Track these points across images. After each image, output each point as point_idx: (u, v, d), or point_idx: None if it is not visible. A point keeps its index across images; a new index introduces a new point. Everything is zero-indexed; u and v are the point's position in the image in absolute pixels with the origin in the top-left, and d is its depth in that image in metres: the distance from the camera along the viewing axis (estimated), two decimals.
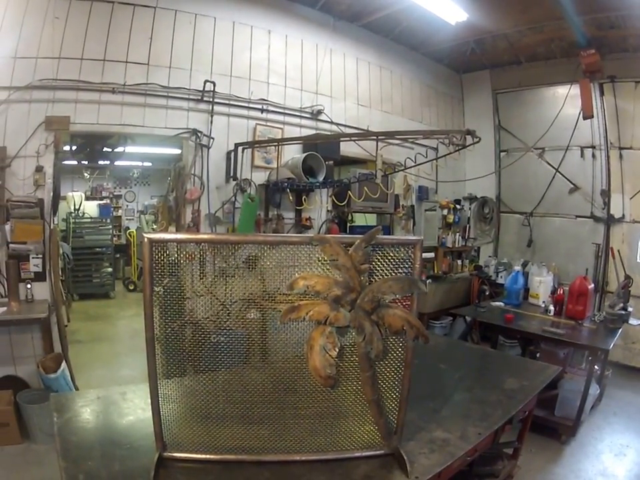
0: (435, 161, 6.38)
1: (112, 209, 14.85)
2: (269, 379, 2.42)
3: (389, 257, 2.26)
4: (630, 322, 6.26)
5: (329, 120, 7.70)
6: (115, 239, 13.70)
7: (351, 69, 8.10)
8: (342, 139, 7.33)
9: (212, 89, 6.40)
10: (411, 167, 5.92)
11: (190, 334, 2.34)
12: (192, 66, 6.35)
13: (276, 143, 6.77)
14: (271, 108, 7.05)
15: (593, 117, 7.89)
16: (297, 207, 7.05)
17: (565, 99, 8.54)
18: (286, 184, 6.44)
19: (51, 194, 5.52)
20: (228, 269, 2.38)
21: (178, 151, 7.55)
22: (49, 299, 5.53)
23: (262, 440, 2.37)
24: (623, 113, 8.13)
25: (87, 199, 14.24)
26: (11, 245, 5.28)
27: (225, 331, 2.38)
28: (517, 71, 9.40)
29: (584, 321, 6.04)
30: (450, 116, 10.06)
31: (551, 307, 6.44)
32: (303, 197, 6.98)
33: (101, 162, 7.70)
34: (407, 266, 2.28)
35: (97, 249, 12.62)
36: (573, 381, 5.62)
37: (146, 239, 2.11)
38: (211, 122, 6.45)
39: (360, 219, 8.90)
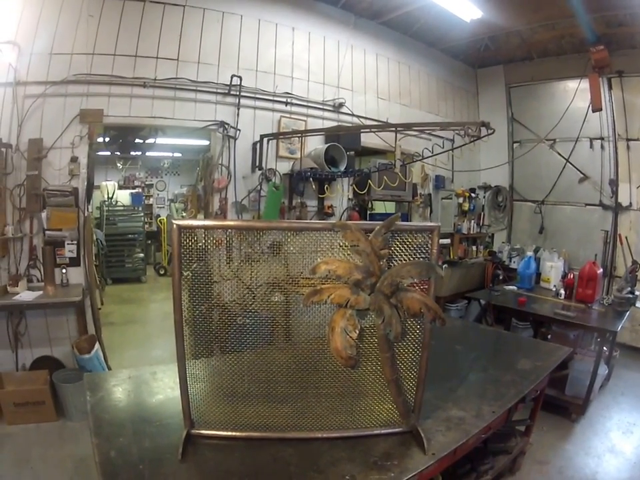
0: (451, 152, 6.35)
1: (143, 197, 14.93)
2: (292, 360, 2.41)
3: (408, 243, 2.24)
4: (637, 305, 6.21)
5: (350, 112, 7.64)
6: (146, 226, 13.76)
7: (371, 64, 8.03)
8: (362, 130, 7.29)
9: (238, 83, 6.36)
10: (428, 157, 5.84)
11: (217, 316, 2.33)
12: (219, 61, 6.32)
13: (299, 135, 6.74)
14: (294, 101, 7.01)
15: (601, 109, 7.84)
16: (320, 195, 7.03)
17: (575, 92, 8.47)
18: (309, 173, 6.45)
19: (85, 183, 5.54)
20: (253, 254, 2.36)
21: (206, 142, 7.56)
22: (83, 283, 5.56)
23: (285, 418, 2.37)
24: (630, 106, 8.06)
25: (120, 188, 14.34)
26: (47, 232, 5.30)
27: (250, 313, 2.37)
28: (529, 66, 9.29)
29: (593, 304, 5.96)
30: (465, 109, 9.96)
31: (562, 291, 6.38)
32: (326, 186, 6.96)
33: (133, 153, 7.75)
34: (424, 251, 2.26)
35: (129, 236, 12.66)
36: (582, 362, 5.55)
37: (175, 226, 2.09)
38: (238, 114, 6.43)
39: (379, 207, 8.86)
